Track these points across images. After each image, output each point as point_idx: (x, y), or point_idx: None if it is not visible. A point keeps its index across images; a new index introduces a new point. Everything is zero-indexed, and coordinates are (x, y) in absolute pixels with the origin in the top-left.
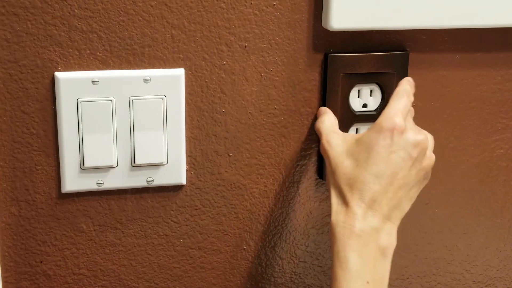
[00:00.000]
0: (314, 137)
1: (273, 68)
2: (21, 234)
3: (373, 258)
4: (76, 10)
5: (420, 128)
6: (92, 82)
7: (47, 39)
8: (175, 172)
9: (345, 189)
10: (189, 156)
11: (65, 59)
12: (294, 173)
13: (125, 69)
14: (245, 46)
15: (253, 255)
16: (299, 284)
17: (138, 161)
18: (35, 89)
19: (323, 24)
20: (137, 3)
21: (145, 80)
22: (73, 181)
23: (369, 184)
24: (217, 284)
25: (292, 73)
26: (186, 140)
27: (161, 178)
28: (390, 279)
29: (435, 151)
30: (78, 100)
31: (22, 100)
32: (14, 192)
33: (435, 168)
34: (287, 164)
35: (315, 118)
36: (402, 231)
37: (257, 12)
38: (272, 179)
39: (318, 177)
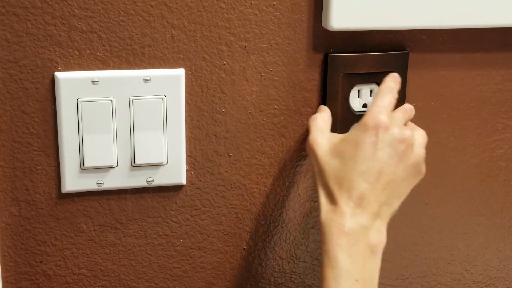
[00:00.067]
0: None
1: (273, 68)
2: (21, 234)
3: (362, 256)
4: (76, 10)
5: (414, 125)
6: (92, 82)
7: (47, 39)
8: (175, 172)
9: (333, 188)
10: (189, 156)
11: (65, 59)
12: (294, 173)
13: (125, 69)
14: (245, 46)
15: (253, 255)
16: (299, 284)
17: (138, 161)
18: (35, 89)
19: (323, 24)
20: (137, 3)
21: (145, 80)
22: (73, 181)
23: (357, 182)
24: (217, 284)
25: (292, 73)
26: (186, 140)
27: (161, 178)
28: (390, 279)
29: (435, 151)
30: (78, 100)
31: (22, 100)
32: (14, 192)
33: (435, 168)
34: (287, 164)
35: None
36: (402, 231)
37: (257, 12)
38: (272, 179)
39: None
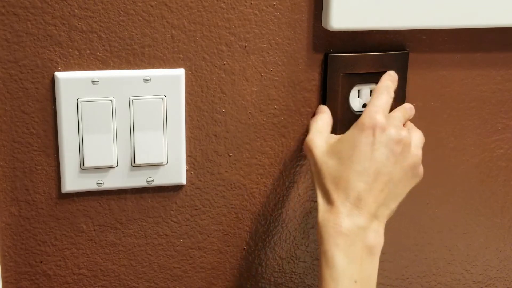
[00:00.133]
0: None
1: (273, 68)
2: (21, 234)
3: (360, 257)
4: (76, 10)
5: (412, 125)
6: (92, 82)
7: (47, 39)
8: (175, 172)
9: (331, 189)
10: (189, 156)
11: (65, 59)
12: (294, 173)
13: (125, 69)
14: (245, 46)
15: (253, 255)
16: (299, 284)
17: (138, 161)
18: (35, 89)
19: (323, 24)
20: (137, 3)
21: (145, 80)
22: (73, 181)
23: (354, 183)
24: (217, 284)
25: (292, 73)
26: (186, 140)
27: (161, 178)
28: (390, 279)
29: (435, 151)
30: (78, 100)
31: (22, 100)
32: (14, 192)
33: (435, 168)
34: (287, 164)
35: None
36: (403, 231)
37: (257, 12)
38: (272, 179)
39: None
